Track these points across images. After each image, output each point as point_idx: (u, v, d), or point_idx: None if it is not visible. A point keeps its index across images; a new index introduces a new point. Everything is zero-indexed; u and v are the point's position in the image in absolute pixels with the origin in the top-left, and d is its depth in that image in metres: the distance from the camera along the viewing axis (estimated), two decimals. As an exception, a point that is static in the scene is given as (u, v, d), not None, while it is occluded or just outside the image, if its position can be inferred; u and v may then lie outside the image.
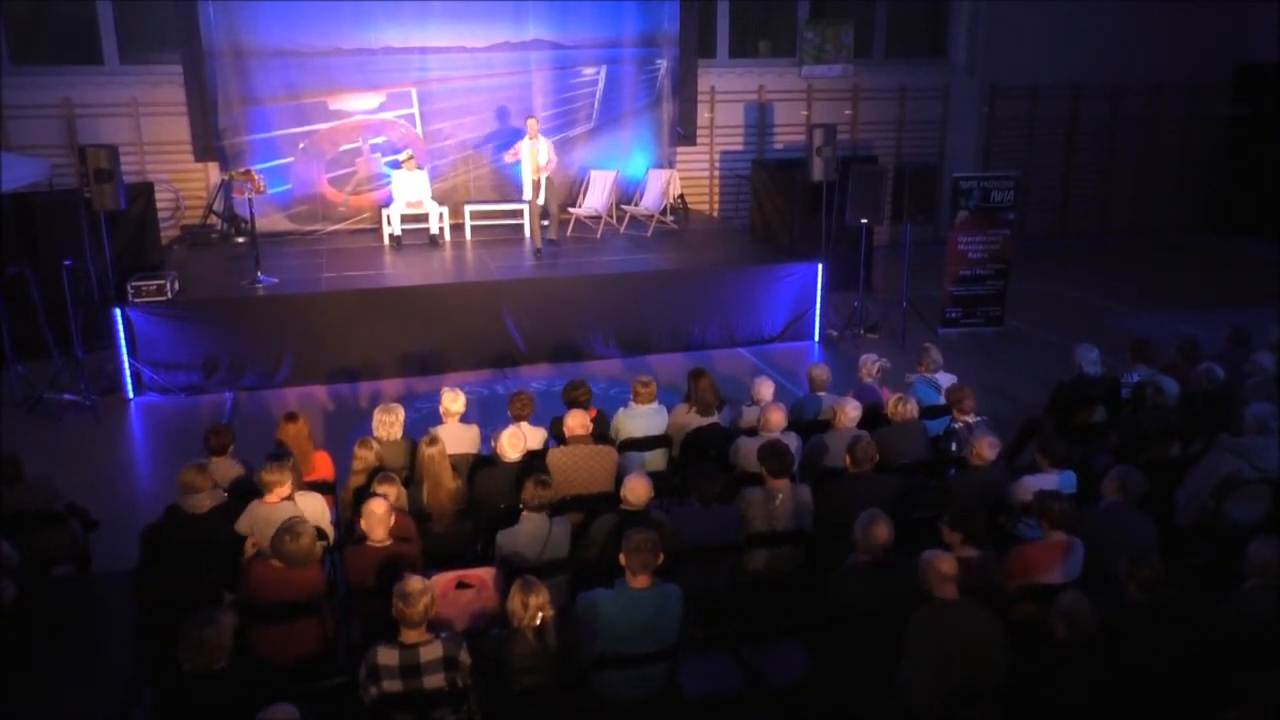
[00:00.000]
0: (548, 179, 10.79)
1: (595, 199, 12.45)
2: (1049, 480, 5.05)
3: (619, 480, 5.12)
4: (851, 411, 5.82)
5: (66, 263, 8.57)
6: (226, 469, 5.46)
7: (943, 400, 6.50)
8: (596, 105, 13.26)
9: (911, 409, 5.95)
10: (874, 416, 6.10)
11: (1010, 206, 10.63)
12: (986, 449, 5.26)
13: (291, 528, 4.27)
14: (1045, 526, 4.46)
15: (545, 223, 11.05)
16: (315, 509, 5.05)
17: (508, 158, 11.19)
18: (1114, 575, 3.99)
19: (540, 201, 10.82)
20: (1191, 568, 4.59)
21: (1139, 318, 11.03)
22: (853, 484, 5.16)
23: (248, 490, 5.10)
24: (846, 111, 14.87)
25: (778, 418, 5.66)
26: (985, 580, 4.27)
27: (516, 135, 11.37)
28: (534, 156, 10.60)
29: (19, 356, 8.77)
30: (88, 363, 8.83)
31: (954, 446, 5.88)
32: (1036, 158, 15.70)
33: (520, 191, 11.33)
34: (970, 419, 5.94)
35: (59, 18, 12.69)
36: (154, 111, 12.48)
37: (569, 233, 12.00)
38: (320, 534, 4.95)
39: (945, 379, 6.74)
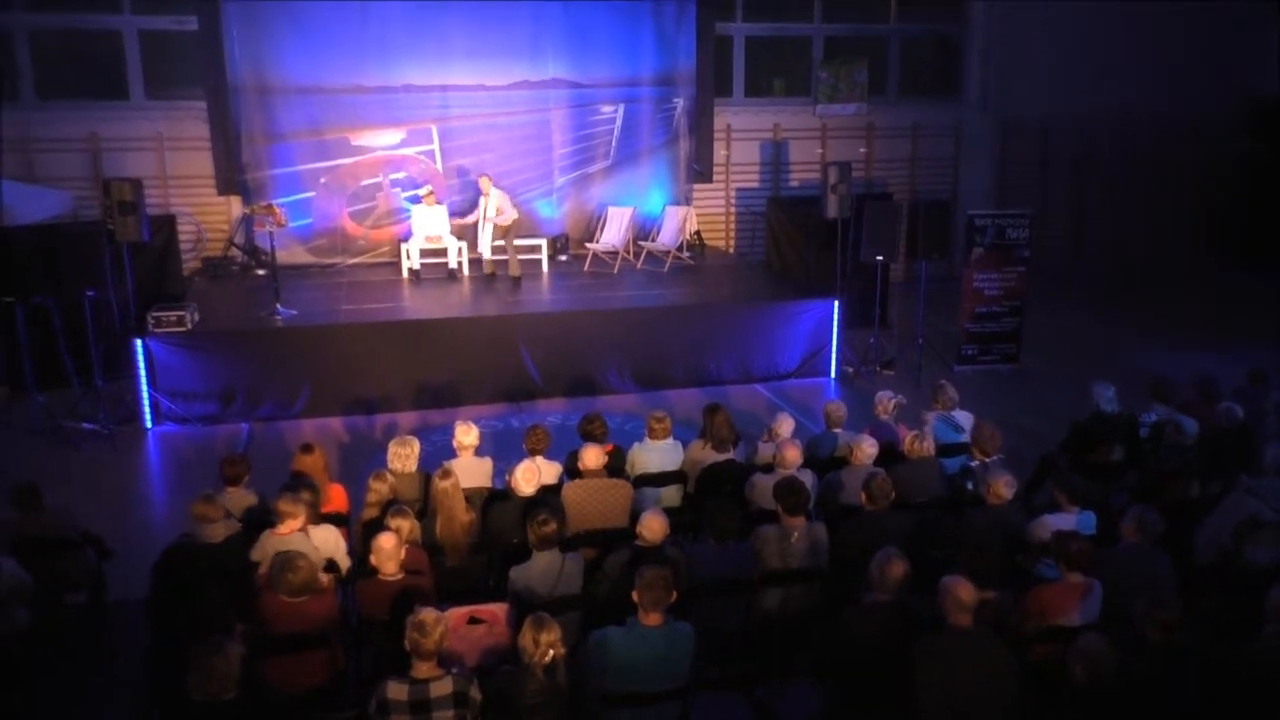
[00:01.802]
0: (509, 224, 11.24)
1: (612, 235, 12.53)
2: (1068, 520, 5.01)
3: (634, 515, 5.10)
4: (868, 448, 5.79)
5: (89, 293, 8.67)
6: (241, 499, 5.48)
7: (960, 438, 6.47)
8: (614, 142, 13.40)
9: (928, 446, 5.92)
10: (890, 454, 6.07)
11: (1025, 243, 10.63)
12: (1003, 487, 5.23)
13: (289, 561, 4.29)
14: (1063, 567, 4.42)
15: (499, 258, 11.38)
16: (329, 541, 5.06)
17: (473, 221, 11.51)
18: (1132, 617, 3.94)
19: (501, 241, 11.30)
20: (1211, 610, 4.53)
21: (1155, 355, 10.96)
22: (869, 522, 5.13)
23: (262, 520, 5.11)
24: (861, 149, 14.95)
25: (794, 454, 5.64)
26: (1002, 620, 4.22)
27: (539, 172, 11.57)
28: (485, 211, 11.17)
29: (40, 385, 8.85)
30: (107, 392, 8.90)
31: (970, 485, 5.85)
32: (1050, 193, 15.71)
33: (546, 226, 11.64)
34: (989, 458, 5.91)
35: (86, 54, 12.94)
36: (178, 146, 12.66)
37: (586, 268, 12.07)
38: (333, 566, 4.97)
39: (962, 416, 6.72)
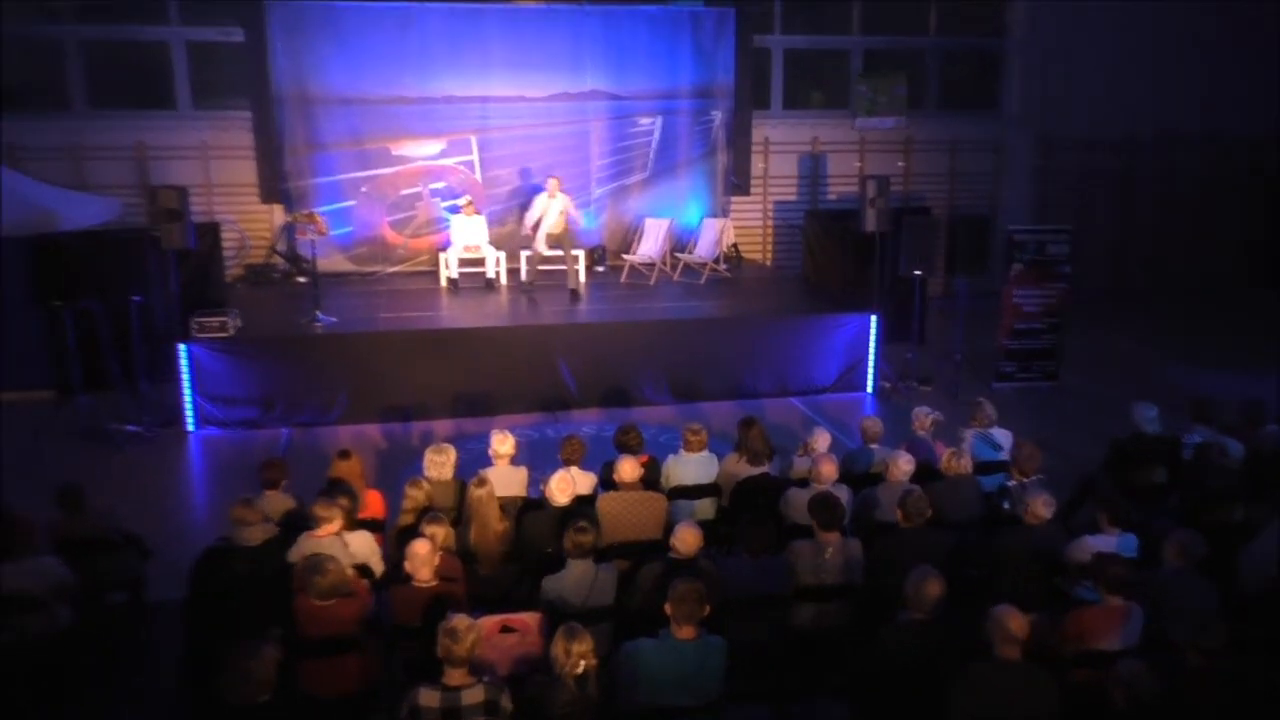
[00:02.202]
0: (566, 234, 11.16)
1: (649, 246, 12.55)
2: (1108, 542, 4.93)
3: (667, 528, 5.09)
4: (904, 465, 5.74)
5: (135, 298, 8.84)
6: (279, 503, 5.54)
7: (999, 456, 6.39)
8: (652, 154, 13.44)
9: (966, 464, 5.86)
10: (927, 471, 6.01)
11: (1065, 260, 10.51)
12: (1042, 507, 5.16)
13: (318, 564, 4.33)
14: (1103, 590, 4.34)
15: (601, 267, 11.23)
16: (365, 546, 5.10)
17: (529, 223, 11.36)
18: (1174, 643, 3.87)
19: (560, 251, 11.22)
20: (1254, 636, 4.43)
21: (1197, 375, 10.78)
22: (904, 539, 5.08)
23: (299, 524, 5.16)
24: (899, 163, 14.87)
25: (829, 469, 5.60)
26: (1041, 644, 4.16)
27: (578, 184, 11.59)
28: (552, 214, 11.00)
29: (86, 388, 9.02)
30: (151, 395, 9.06)
31: (1008, 504, 5.78)
32: (1091, 209, 15.50)
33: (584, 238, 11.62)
34: (1029, 478, 5.83)
35: (135, 64, 13.22)
36: (223, 155, 12.87)
37: (623, 279, 12.10)
38: (368, 571, 5.00)
39: (1000, 434, 6.64)
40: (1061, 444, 8.33)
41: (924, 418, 6.70)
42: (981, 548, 5.31)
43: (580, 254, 11.91)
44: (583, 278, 11.85)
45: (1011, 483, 5.89)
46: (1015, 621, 3.78)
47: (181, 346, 8.95)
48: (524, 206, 11.90)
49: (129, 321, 8.93)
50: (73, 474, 5.91)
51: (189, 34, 12.88)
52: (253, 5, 12.05)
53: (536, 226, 11.18)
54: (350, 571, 4.65)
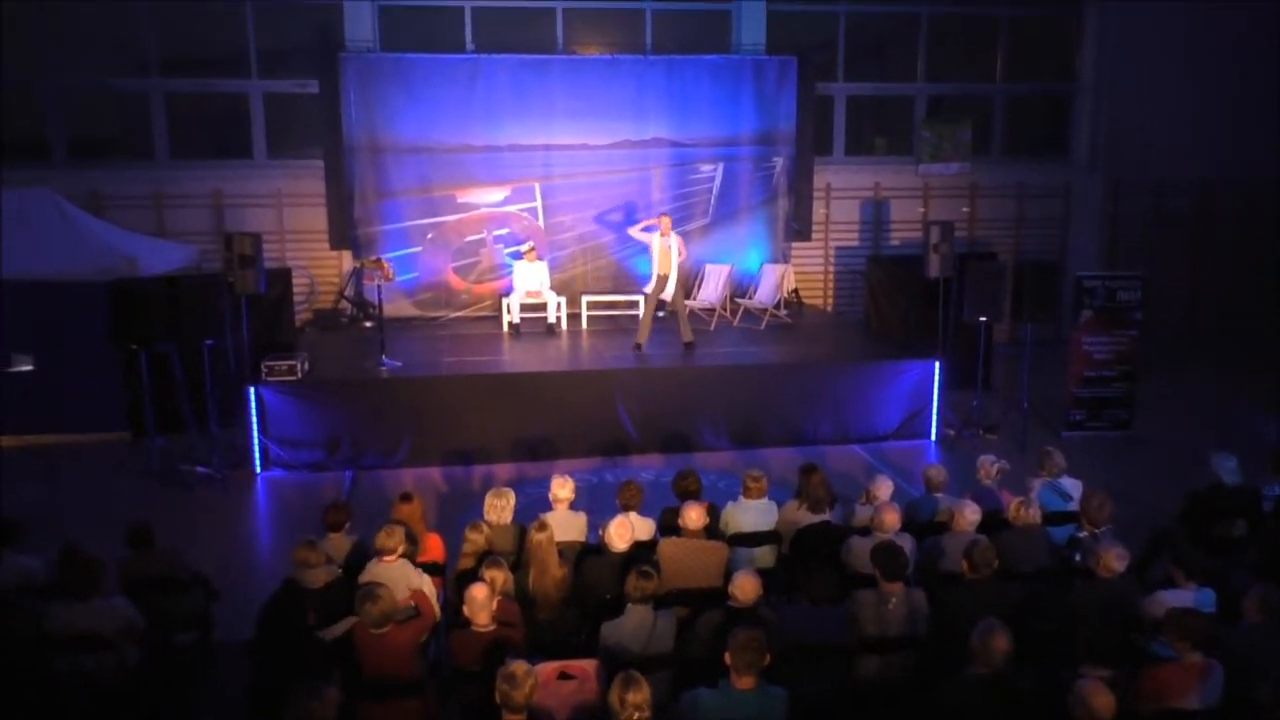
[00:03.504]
0: (679, 276, 10.70)
1: (710, 292, 12.58)
2: (1185, 597, 4.76)
3: (728, 575, 5.04)
4: (970, 514, 5.63)
5: (208, 342, 9.08)
6: (342, 545, 5.62)
7: (1068, 506, 6.23)
8: (713, 200, 13.52)
9: (1034, 514, 5.72)
10: (993, 521, 5.88)
11: (1137, 306, 10.28)
12: (1114, 560, 4.99)
13: (369, 592, 4.43)
14: (1182, 646, 4.19)
15: (661, 314, 11.17)
16: (424, 583, 5.14)
17: (636, 231, 11.05)
18: (1256, 702, 3.71)
19: (668, 296, 10.74)
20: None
21: (1276, 424, 10.41)
22: (971, 590, 4.96)
23: (362, 567, 5.21)
24: (964, 209, 14.75)
25: (893, 518, 5.51)
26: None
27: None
28: (665, 253, 10.55)
29: (159, 429, 9.27)
30: (221, 437, 9.26)
31: (1078, 556, 5.61)
32: (1164, 254, 15.16)
33: (645, 283, 11.26)
34: (1100, 529, 5.67)
35: (215, 116, 13.77)
36: (296, 202, 13.27)
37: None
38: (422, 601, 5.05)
39: (1071, 484, 6.47)
40: (1134, 494, 8.09)
41: (990, 466, 6.57)
42: (1052, 601, 5.16)
43: (641, 299, 11.69)
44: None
45: (1082, 534, 5.73)
46: (1103, 700, 3.62)
47: (251, 389, 9.15)
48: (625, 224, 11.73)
49: (202, 364, 9.18)
50: (144, 514, 6.04)
51: (267, 86, 13.37)
52: (329, 59, 12.46)
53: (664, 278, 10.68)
54: (405, 596, 4.78)
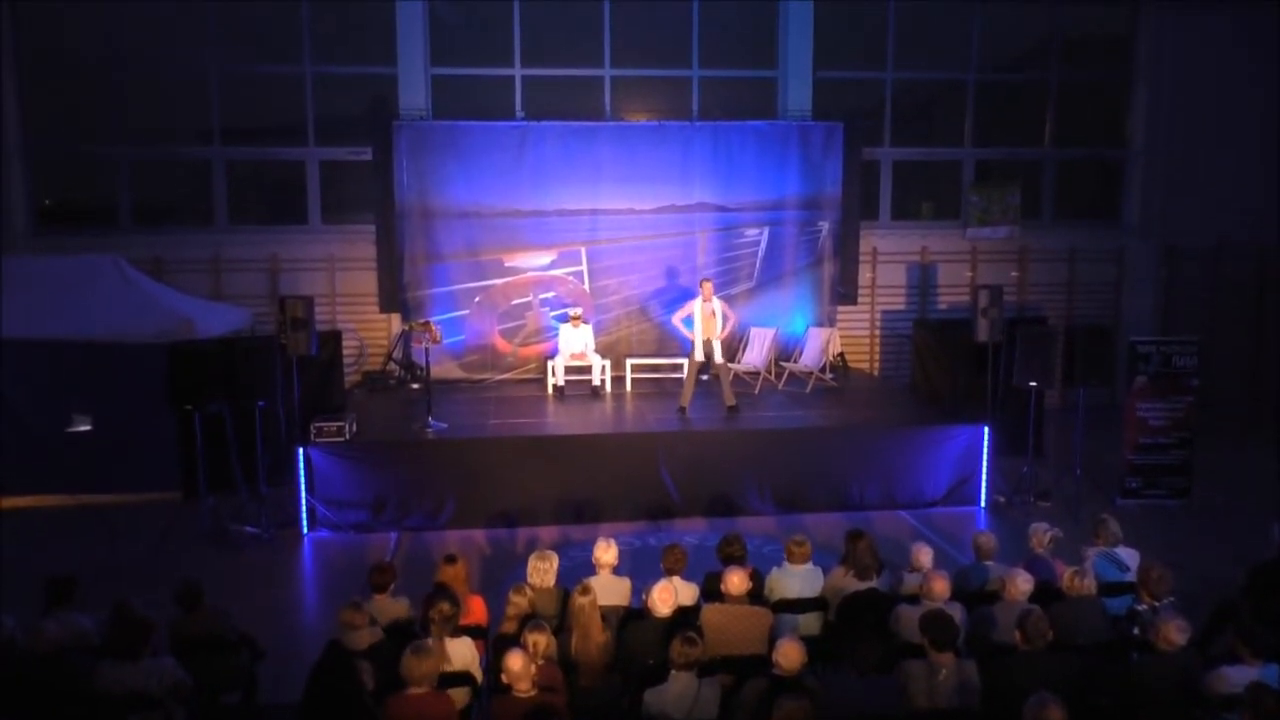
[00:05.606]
0: (720, 341, 10.72)
1: (754, 355, 12.57)
2: (1249, 673, 4.58)
3: (771, 642, 4.96)
4: (1023, 584, 5.49)
5: (260, 403, 9.23)
6: (387, 607, 5.61)
7: (1125, 577, 6.06)
8: (758, 264, 13.57)
9: (1089, 584, 5.56)
10: (1047, 591, 5.73)
11: (1194, 372, 10.07)
12: (1175, 633, 4.83)
13: (420, 647, 4.41)
14: (1250, 725, 4.02)
15: (704, 377, 11.15)
16: (466, 655, 5.09)
17: (676, 319, 11.02)
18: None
19: (718, 359, 10.73)
20: None
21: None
22: (1024, 662, 4.82)
23: (406, 629, 5.20)
24: (1013, 272, 14.64)
25: (942, 586, 5.40)
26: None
27: (683, 293, 11.66)
28: (709, 318, 10.56)
29: (210, 489, 9.40)
30: (271, 497, 9.36)
31: (1136, 629, 5.43)
32: (1223, 321, 14.87)
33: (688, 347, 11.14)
34: (1160, 601, 5.49)
35: (271, 183, 14.19)
36: (347, 266, 13.56)
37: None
38: (468, 678, 4.99)
39: (1127, 554, 6.30)
40: (1194, 566, 7.84)
41: (1042, 534, 6.43)
42: (1109, 674, 5.00)
43: (685, 362, 11.49)
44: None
45: (1141, 606, 5.55)
46: None
47: (300, 450, 9.26)
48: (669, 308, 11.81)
49: (253, 425, 9.33)
50: (193, 572, 6.10)
51: (323, 154, 13.77)
52: (383, 127, 12.81)
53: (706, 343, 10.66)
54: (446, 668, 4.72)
